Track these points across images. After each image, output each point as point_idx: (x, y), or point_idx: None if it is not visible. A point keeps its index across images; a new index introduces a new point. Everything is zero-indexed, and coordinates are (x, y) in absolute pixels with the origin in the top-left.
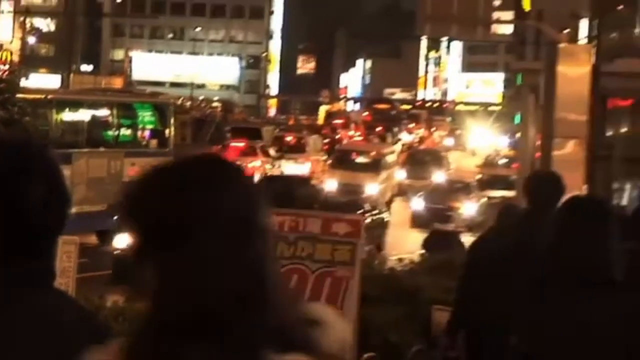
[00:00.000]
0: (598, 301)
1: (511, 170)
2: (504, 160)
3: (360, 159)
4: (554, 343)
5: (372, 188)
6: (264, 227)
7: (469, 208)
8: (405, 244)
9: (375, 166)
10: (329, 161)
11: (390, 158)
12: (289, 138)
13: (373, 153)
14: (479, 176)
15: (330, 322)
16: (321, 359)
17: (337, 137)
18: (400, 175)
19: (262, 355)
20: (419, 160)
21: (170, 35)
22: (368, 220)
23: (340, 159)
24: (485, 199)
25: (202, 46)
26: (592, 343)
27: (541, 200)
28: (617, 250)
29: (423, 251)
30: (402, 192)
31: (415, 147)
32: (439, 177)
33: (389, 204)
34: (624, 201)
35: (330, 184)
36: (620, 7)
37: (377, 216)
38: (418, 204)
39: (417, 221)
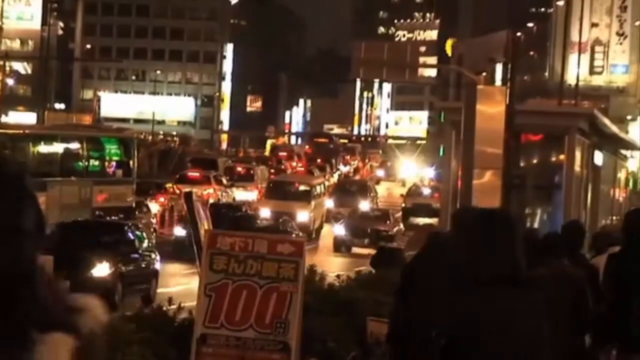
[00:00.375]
0: (511, 293)
1: (433, 200)
2: (428, 191)
3: (292, 190)
4: (485, 326)
5: (302, 216)
6: (27, 230)
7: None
8: (330, 267)
9: (306, 196)
10: (264, 191)
11: (319, 188)
12: (239, 169)
13: (303, 184)
14: (403, 205)
15: (89, 308)
16: (78, 336)
17: (282, 167)
18: (329, 203)
19: (30, 335)
20: (346, 190)
21: (134, 77)
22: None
23: (274, 190)
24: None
25: (162, 87)
26: (510, 324)
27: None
28: (522, 254)
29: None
30: (330, 219)
31: (342, 178)
32: (364, 205)
33: (318, 230)
34: (536, 224)
35: (264, 212)
36: (531, 53)
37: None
38: (339, 229)
39: (337, 245)
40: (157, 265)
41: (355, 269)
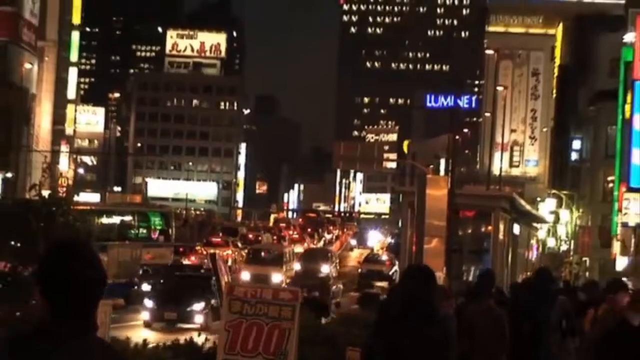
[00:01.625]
0: (425, 326)
1: (385, 266)
2: (383, 258)
3: (268, 256)
4: (401, 351)
5: (276, 277)
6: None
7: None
8: None
9: (279, 261)
10: (245, 258)
11: (289, 255)
12: (250, 235)
13: (276, 251)
14: (359, 270)
15: None
16: None
17: (282, 234)
18: (297, 267)
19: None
20: (312, 256)
21: (172, 167)
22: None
23: (253, 256)
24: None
25: (193, 175)
26: (418, 350)
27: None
28: (436, 296)
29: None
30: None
31: (309, 248)
32: (324, 269)
33: None
34: (470, 278)
35: (244, 275)
36: (467, 151)
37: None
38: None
39: None
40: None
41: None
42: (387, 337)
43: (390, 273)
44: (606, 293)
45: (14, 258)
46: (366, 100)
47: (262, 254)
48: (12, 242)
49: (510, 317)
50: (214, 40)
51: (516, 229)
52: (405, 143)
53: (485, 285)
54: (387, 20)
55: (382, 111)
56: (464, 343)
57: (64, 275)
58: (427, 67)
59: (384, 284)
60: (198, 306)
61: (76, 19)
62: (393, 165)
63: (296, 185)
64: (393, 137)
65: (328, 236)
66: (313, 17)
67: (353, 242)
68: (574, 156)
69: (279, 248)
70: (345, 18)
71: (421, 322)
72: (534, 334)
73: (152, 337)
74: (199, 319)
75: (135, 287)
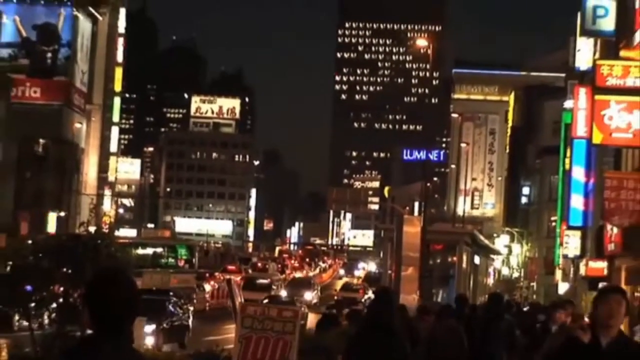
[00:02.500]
0: (385, 338)
1: (359, 294)
2: (358, 286)
3: (259, 282)
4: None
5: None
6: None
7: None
8: None
9: (268, 287)
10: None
11: (277, 283)
12: (259, 264)
13: (267, 279)
14: (335, 297)
15: None
16: None
17: (285, 263)
18: (283, 293)
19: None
20: (297, 283)
21: (195, 208)
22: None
23: (248, 283)
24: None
25: (212, 214)
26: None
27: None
28: (395, 314)
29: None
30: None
31: (294, 277)
32: (307, 295)
33: None
34: (439, 299)
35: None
36: (436, 195)
37: (178, 322)
38: None
39: None
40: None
41: None
42: (359, 345)
43: (363, 300)
44: (550, 311)
45: (65, 283)
46: (354, 153)
47: (254, 281)
48: (65, 269)
49: (467, 330)
50: (230, 104)
51: (476, 259)
52: (386, 189)
53: (450, 308)
54: (371, 89)
55: (367, 163)
56: (432, 351)
57: (106, 297)
58: (404, 127)
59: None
60: (149, 328)
61: (117, 87)
62: (376, 207)
63: (297, 223)
64: (376, 184)
65: (323, 265)
66: (311, 85)
67: (342, 271)
68: (523, 200)
69: (269, 276)
70: (337, 87)
71: (382, 334)
72: (486, 345)
73: None
74: (149, 341)
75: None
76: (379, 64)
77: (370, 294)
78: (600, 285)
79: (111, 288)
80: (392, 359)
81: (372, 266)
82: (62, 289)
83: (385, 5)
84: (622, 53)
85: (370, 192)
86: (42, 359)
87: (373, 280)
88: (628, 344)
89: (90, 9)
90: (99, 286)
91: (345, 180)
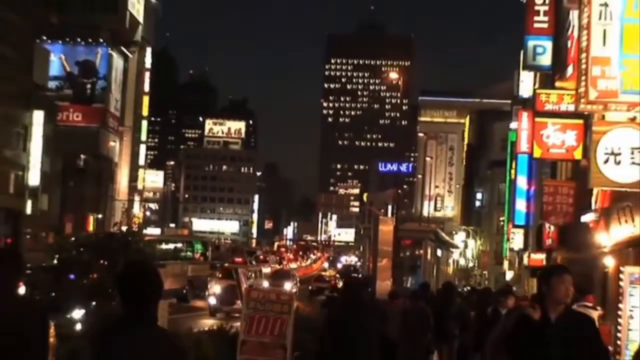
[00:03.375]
0: (361, 314)
1: (329, 285)
2: (329, 278)
3: (284, 272)
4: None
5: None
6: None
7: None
8: None
9: (289, 276)
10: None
11: (260, 273)
12: (261, 256)
13: (250, 271)
14: (310, 287)
15: None
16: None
17: (282, 256)
18: (265, 283)
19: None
20: (278, 276)
21: (209, 211)
22: None
23: (275, 274)
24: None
25: (222, 216)
26: (359, 329)
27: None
28: (366, 296)
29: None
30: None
31: (276, 269)
32: (287, 286)
33: None
34: (408, 285)
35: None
36: (406, 200)
37: None
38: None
39: (213, 310)
40: None
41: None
42: (336, 317)
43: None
44: (497, 296)
45: (102, 272)
46: (339, 166)
47: (282, 273)
48: (101, 261)
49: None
50: (236, 126)
51: (439, 252)
52: (365, 195)
53: (420, 292)
54: (352, 113)
55: (349, 173)
56: (401, 326)
57: (135, 284)
58: (379, 144)
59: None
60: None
61: (145, 112)
62: (357, 209)
63: (292, 223)
64: (356, 191)
65: (313, 257)
66: (303, 110)
67: (326, 264)
68: (477, 204)
69: (254, 268)
70: (324, 112)
71: (357, 311)
72: (441, 323)
73: None
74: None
75: (184, 291)
76: (359, 93)
77: (339, 285)
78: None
79: (139, 276)
80: (365, 328)
81: (353, 258)
82: (98, 277)
83: (363, 44)
84: (557, 84)
85: (352, 198)
86: (84, 336)
87: (347, 273)
88: (574, 316)
89: (122, 48)
90: (129, 275)
91: (332, 188)
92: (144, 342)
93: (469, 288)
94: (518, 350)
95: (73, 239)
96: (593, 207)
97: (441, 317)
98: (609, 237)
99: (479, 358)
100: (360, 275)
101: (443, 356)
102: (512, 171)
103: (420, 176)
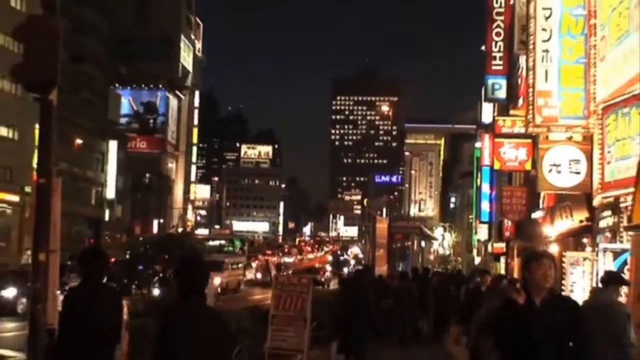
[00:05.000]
0: (360, 289)
1: (319, 275)
2: (320, 268)
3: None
4: (351, 299)
5: (216, 280)
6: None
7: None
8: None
9: (317, 271)
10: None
11: (239, 265)
12: (286, 249)
13: (231, 263)
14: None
15: None
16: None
17: (302, 249)
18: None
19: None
20: (279, 267)
21: (246, 215)
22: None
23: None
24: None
25: (255, 218)
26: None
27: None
28: (366, 278)
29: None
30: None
31: (264, 261)
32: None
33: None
34: (400, 268)
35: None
36: (397, 204)
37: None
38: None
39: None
40: None
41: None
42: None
43: (323, 280)
44: (472, 277)
45: (163, 264)
46: (344, 178)
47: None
48: (163, 256)
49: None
50: (265, 149)
51: (423, 243)
52: (365, 200)
53: (406, 274)
54: (354, 138)
55: (352, 184)
56: (394, 300)
57: (188, 272)
58: (376, 161)
59: (319, 287)
60: (10, 292)
61: (195, 140)
62: (359, 212)
63: (309, 223)
64: (359, 197)
65: (327, 249)
66: (316, 136)
67: (330, 257)
68: (451, 205)
69: (235, 259)
70: (332, 137)
71: (357, 287)
72: (424, 298)
73: None
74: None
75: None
76: (358, 122)
77: (328, 273)
78: (516, 256)
79: (192, 267)
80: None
81: (357, 249)
82: (160, 268)
83: (361, 85)
84: (511, 112)
85: (355, 202)
86: (149, 313)
87: (340, 264)
88: (558, 299)
89: (177, 92)
90: (184, 266)
91: (339, 195)
92: (196, 316)
93: (444, 270)
94: (503, 333)
95: (141, 238)
96: (541, 206)
97: (422, 292)
98: (553, 229)
99: (456, 323)
100: (363, 263)
101: (429, 322)
102: (478, 180)
103: (407, 185)
